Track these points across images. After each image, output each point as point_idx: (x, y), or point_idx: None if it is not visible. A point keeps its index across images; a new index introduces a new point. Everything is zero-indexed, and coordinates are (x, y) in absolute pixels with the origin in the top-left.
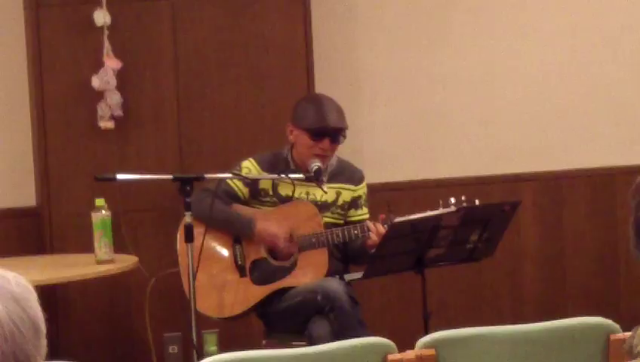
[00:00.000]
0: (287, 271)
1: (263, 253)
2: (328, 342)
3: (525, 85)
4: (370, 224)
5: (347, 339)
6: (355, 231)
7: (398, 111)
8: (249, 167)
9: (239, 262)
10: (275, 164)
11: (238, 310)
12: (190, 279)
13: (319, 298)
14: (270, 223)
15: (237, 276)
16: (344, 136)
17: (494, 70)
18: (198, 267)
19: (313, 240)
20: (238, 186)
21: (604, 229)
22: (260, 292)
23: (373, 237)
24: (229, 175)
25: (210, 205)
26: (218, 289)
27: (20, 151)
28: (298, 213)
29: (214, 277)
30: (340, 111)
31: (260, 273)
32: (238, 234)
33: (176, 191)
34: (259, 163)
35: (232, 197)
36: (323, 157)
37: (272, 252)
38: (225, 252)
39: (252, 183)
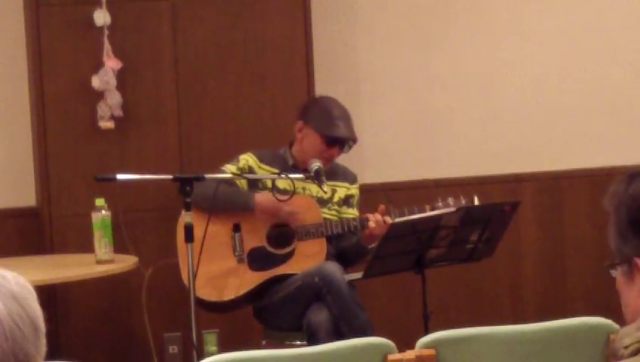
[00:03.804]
0: (285, 258)
1: (261, 241)
2: (327, 329)
3: (525, 85)
4: (369, 215)
5: (346, 321)
6: (355, 223)
7: (398, 111)
8: (247, 159)
9: (238, 249)
10: (274, 161)
11: (237, 293)
12: (190, 279)
13: (317, 279)
14: (272, 197)
15: (235, 263)
16: (350, 146)
17: (494, 70)
18: (198, 266)
19: (312, 230)
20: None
21: (604, 229)
22: (257, 277)
23: (372, 225)
24: (229, 175)
25: (214, 187)
26: (217, 275)
27: (20, 151)
28: (297, 205)
29: (213, 263)
30: (350, 121)
31: (258, 260)
32: (239, 207)
33: (176, 191)
34: (258, 157)
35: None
36: (327, 161)
37: (271, 239)
38: (224, 239)
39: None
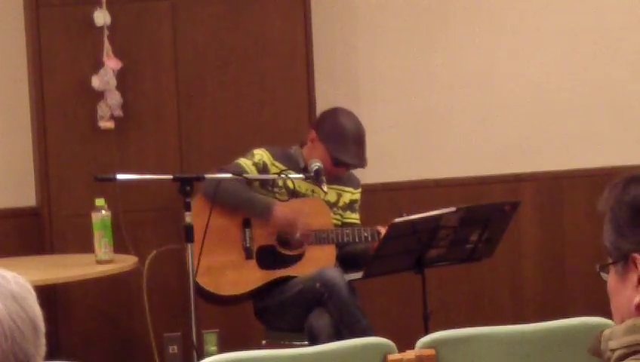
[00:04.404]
0: (293, 260)
1: (271, 240)
2: (329, 333)
3: (525, 85)
4: (382, 229)
5: (347, 326)
6: (366, 234)
7: (398, 112)
8: (262, 154)
9: (247, 245)
10: (286, 160)
11: (238, 291)
12: (190, 279)
13: (318, 285)
14: (290, 210)
15: (243, 257)
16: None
17: (494, 70)
18: (198, 265)
19: (323, 235)
20: (252, 172)
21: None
22: (263, 276)
23: None
24: (229, 175)
25: (233, 185)
26: (221, 266)
27: (20, 151)
28: (310, 208)
29: (219, 254)
30: (363, 144)
31: (266, 259)
32: (255, 213)
33: (176, 191)
34: (271, 153)
35: (246, 183)
36: (331, 175)
37: (282, 240)
38: (233, 233)
39: (263, 172)
